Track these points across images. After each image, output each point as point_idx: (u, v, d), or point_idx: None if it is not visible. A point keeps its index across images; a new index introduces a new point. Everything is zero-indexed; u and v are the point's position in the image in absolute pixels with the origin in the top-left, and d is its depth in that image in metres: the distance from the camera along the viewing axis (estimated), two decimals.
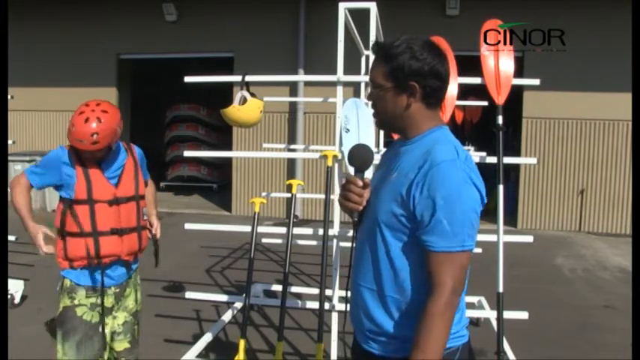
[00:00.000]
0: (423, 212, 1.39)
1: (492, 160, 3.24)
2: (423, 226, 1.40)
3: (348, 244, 3.11)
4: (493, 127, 3.23)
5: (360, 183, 1.53)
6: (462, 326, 1.54)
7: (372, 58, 3.25)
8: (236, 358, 3.04)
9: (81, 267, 2.39)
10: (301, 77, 8.62)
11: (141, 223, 2.52)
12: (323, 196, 3.18)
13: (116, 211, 2.41)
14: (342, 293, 3.27)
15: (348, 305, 1.67)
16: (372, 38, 3.16)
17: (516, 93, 7.03)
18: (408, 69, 1.45)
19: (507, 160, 3.32)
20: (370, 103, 1.58)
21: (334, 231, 3.15)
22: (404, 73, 1.45)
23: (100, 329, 2.43)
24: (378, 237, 1.49)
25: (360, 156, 1.59)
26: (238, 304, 3.78)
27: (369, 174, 1.69)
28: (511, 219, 8.44)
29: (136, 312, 2.60)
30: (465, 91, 5.26)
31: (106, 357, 2.47)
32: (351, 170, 1.62)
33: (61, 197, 2.40)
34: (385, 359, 1.52)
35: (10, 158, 8.38)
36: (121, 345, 2.54)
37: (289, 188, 3.31)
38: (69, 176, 2.35)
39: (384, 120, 1.57)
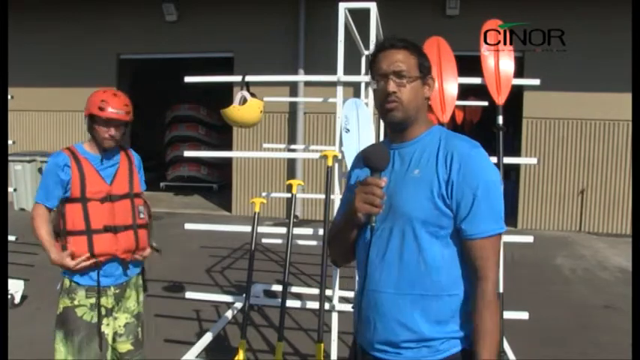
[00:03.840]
0: (463, 201, 1.43)
1: (492, 160, 3.23)
2: (464, 215, 1.43)
3: None
4: (493, 127, 3.23)
5: (383, 184, 1.45)
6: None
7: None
8: (236, 358, 3.03)
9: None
10: (301, 77, 8.62)
11: (137, 222, 2.50)
12: (323, 196, 3.18)
13: (110, 208, 2.41)
14: (342, 293, 3.27)
15: (353, 310, 1.63)
16: (372, 38, 3.16)
17: (516, 93, 7.03)
18: (428, 66, 1.56)
19: (507, 160, 3.32)
20: (389, 92, 1.49)
21: None
22: (426, 68, 1.55)
23: (100, 329, 2.43)
24: (409, 237, 1.45)
25: (377, 155, 1.49)
26: (238, 304, 3.78)
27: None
28: (511, 219, 8.44)
29: (138, 313, 2.59)
30: (465, 91, 5.25)
31: (109, 357, 2.47)
32: (354, 171, 1.59)
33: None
34: None
35: (10, 158, 8.38)
36: (124, 346, 2.53)
37: (289, 188, 3.31)
38: (67, 179, 2.39)
39: (406, 110, 1.51)
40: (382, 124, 4.29)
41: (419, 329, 1.45)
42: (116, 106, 2.37)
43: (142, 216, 2.53)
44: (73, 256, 2.35)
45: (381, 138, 4.29)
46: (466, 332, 1.46)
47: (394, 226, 1.47)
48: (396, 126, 1.54)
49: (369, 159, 1.49)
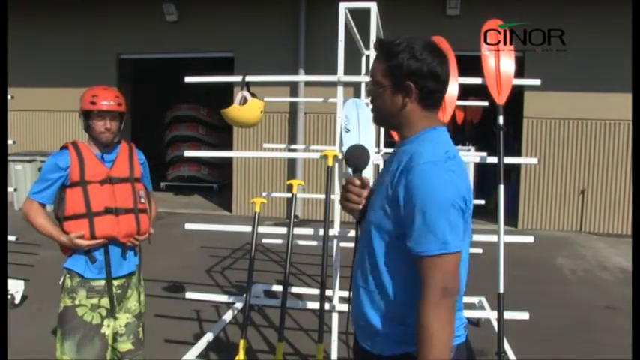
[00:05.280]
0: (405, 216, 1.41)
1: (493, 160, 3.24)
2: (406, 230, 1.41)
3: (349, 245, 3.10)
4: (493, 127, 3.23)
5: (358, 182, 1.54)
6: (457, 326, 1.52)
7: (372, 58, 3.25)
8: (236, 358, 3.03)
9: (83, 252, 2.40)
10: (301, 77, 8.62)
11: (138, 206, 2.51)
12: (323, 197, 3.17)
13: (110, 190, 2.43)
14: (343, 293, 3.27)
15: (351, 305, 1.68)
16: (373, 38, 3.16)
17: (517, 93, 7.02)
18: (407, 68, 1.44)
19: (508, 160, 3.32)
20: (369, 99, 1.59)
21: (335, 231, 3.15)
22: (402, 72, 1.45)
23: (97, 327, 2.42)
24: (369, 237, 1.52)
25: (355, 156, 1.60)
26: (239, 305, 3.77)
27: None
28: (512, 219, 8.44)
29: (139, 313, 2.59)
30: (465, 92, 5.26)
31: (108, 357, 2.47)
32: (350, 171, 1.63)
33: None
34: (377, 357, 1.53)
35: (10, 158, 8.37)
36: (125, 346, 2.54)
37: (289, 188, 3.31)
38: (66, 175, 2.40)
39: (381, 117, 1.58)
40: None
41: (372, 322, 1.52)
42: (107, 98, 2.44)
43: (142, 201, 2.55)
44: (82, 238, 2.37)
45: (382, 138, 4.30)
46: (411, 336, 1.43)
47: (366, 224, 1.55)
48: (381, 126, 1.62)
49: (348, 159, 1.60)
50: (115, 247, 2.46)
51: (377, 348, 1.53)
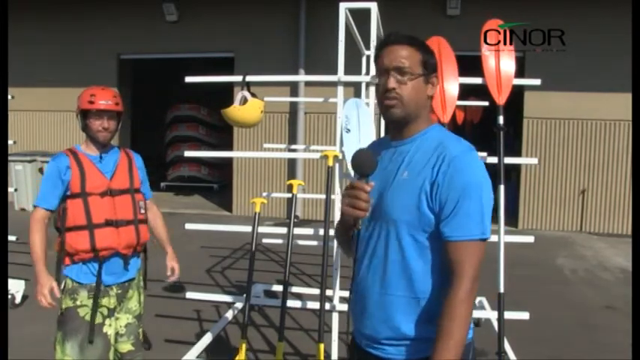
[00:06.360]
0: (446, 204, 1.41)
1: (493, 160, 3.23)
2: (445, 217, 1.41)
3: None
4: (494, 127, 3.23)
5: (369, 188, 1.46)
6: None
7: (372, 58, 3.25)
8: (237, 358, 3.03)
9: (81, 261, 2.40)
10: (302, 77, 8.62)
11: (138, 217, 2.52)
12: (324, 197, 3.17)
13: (110, 202, 2.44)
14: (343, 293, 3.27)
15: (348, 308, 1.65)
16: (373, 38, 3.16)
17: (517, 93, 7.03)
18: (433, 63, 1.54)
19: (508, 160, 3.32)
20: (388, 88, 1.49)
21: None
22: (431, 65, 1.53)
23: (99, 327, 2.43)
24: (393, 239, 1.47)
25: (363, 161, 1.51)
26: (239, 305, 3.77)
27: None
28: (512, 219, 8.44)
29: (139, 314, 2.60)
30: (465, 92, 5.26)
31: (111, 357, 2.47)
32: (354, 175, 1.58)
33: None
34: None
35: (10, 158, 8.37)
36: (125, 347, 2.54)
37: (290, 188, 3.31)
38: (67, 180, 2.42)
39: (406, 105, 1.50)
40: (383, 123, 4.29)
41: (399, 328, 1.48)
42: (105, 97, 2.46)
43: (142, 211, 2.56)
44: (52, 290, 2.36)
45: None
46: None
47: (381, 226, 1.50)
48: (394, 123, 1.56)
49: (355, 164, 1.51)
50: (116, 258, 2.46)
51: (404, 354, 1.48)
